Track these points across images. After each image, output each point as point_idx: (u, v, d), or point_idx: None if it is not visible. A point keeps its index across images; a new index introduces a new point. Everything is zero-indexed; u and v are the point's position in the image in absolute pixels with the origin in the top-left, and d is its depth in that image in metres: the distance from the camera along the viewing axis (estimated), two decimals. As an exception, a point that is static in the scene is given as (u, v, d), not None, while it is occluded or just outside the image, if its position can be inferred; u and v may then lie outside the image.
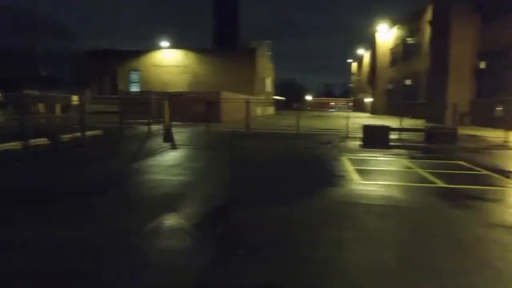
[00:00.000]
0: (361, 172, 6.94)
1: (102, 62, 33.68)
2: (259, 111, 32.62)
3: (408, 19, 38.06)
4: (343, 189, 5.65)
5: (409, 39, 36.72)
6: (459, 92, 23.09)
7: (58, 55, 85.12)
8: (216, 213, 4.48)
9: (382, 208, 4.71)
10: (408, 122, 22.88)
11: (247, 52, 31.47)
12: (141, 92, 21.08)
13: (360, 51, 70.06)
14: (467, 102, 23.16)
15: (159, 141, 11.59)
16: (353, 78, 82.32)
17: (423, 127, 12.13)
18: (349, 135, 14.03)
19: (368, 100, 57.64)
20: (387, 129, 11.37)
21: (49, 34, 76.31)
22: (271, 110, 41.72)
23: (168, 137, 11.64)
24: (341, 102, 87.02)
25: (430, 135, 11.52)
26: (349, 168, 7.39)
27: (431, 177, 6.65)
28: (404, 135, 13.18)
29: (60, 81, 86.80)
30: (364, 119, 31.76)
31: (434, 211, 4.73)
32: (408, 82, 36.56)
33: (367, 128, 11.70)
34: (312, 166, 7.97)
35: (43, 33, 76.13)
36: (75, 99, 35.57)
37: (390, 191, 5.56)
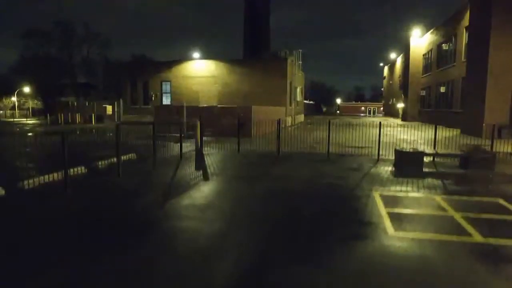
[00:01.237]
0: (392, 218, 6.77)
1: (135, 72, 34.64)
2: (289, 120, 32.56)
3: (443, 24, 36.96)
4: (371, 245, 5.50)
5: (444, 45, 35.61)
6: (497, 103, 22.22)
7: (93, 62, 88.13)
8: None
9: (415, 275, 4.56)
10: (442, 134, 22.26)
11: (278, 62, 31.47)
12: (173, 107, 21.49)
13: (392, 55, 68.58)
14: (506, 113, 22.28)
15: (191, 169, 11.72)
16: (385, 82, 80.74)
17: (458, 153, 11.71)
18: (380, 157, 13.75)
19: (400, 105, 56.33)
20: (420, 156, 11.09)
21: (86, 43, 79.17)
22: (301, 117, 41.54)
23: (200, 164, 11.81)
24: (372, 106, 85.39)
25: (465, 160, 11.16)
26: (380, 212, 7.24)
27: (467, 226, 6.40)
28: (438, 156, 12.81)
29: (94, 87, 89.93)
30: (397, 128, 31.09)
31: (473, 283, 4.52)
32: (442, 89, 35.46)
33: (399, 154, 11.45)
34: (340, 205, 7.86)
35: (80, 42, 79.12)
36: (109, 109, 36.75)
37: (425, 249, 5.35)
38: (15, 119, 51.85)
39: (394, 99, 64.57)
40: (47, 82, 72.66)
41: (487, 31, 21.99)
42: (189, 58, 32.80)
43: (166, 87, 33.59)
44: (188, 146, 16.18)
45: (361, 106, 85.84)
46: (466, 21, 28.60)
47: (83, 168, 10.64)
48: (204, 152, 14.20)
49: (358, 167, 12.07)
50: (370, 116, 70.32)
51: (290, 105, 32.72)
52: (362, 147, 16.12)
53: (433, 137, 22.08)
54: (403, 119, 47.47)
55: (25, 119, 52.65)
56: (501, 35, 21.55)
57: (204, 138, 19.61)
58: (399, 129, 31.47)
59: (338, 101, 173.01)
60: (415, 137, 23.04)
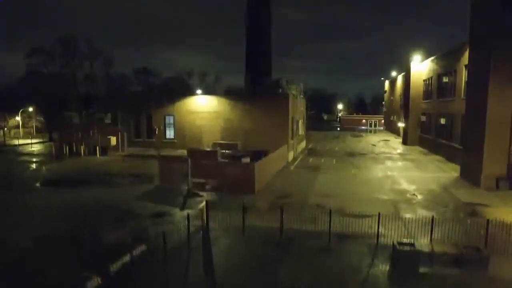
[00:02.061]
0: None
1: (138, 106, 35.16)
2: (291, 155, 33.02)
3: (443, 56, 37.32)
4: None
5: (444, 77, 35.98)
6: (495, 154, 22.59)
7: (96, 79, 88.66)
8: None
9: None
10: (441, 178, 22.23)
11: (280, 99, 31.94)
12: (177, 163, 21.96)
13: (394, 73, 69.02)
14: (504, 164, 22.66)
15: (199, 269, 11.82)
16: (385, 96, 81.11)
17: (454, 252, 11.99)
18: (380, 242, 14.06)
19: (400, 124, 56.70)
20: (416, 256, 11.53)
21: (88, 59, 79.64)
22: (302, 144, 41.94)
23: (207, 264, 12.03)
24: (373, 119, 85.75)
25: (461, 259, 11.59)
26: None
27: None
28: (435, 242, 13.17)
29: (96, 99, 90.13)
30: (396, 162, 31.41)
31: None
32: (442, 121, 35.85)
33: (396, 253, 11.83)
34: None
35: (83, 58, 79.59)
36: (113, 140, 37.26)
37: None
38: (19, 141, 52.36)
39: (395, 117, 64.94)
40: (50, 99, 73.19)
41: (486, 83, 22.38)
42: (192, 94, 33.26)
43: (169, 120, 34.09)
44: (196, 226, 16.48)
45: (362, 119, 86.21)
46: (465, 59, 28.95)
47: (97, 279, 10.75)
48: (209, 231, 14.60)
49: (357, 265, 12.06)
50: (371, 132, 70.65)
51: (292, 139, 33.15)
52: (363, 217, 16.36)
53: (434, 186, 22.56)
54: (404, 142, 47.85)
55: (30, 140, 53.13)
56: (500, 88, 21.93)
57: (205, 195, 20.12)
58: (399, 164, 31.88)
59: (340, 106, 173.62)
60: (415, 183, 23.35)
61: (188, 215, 14.78)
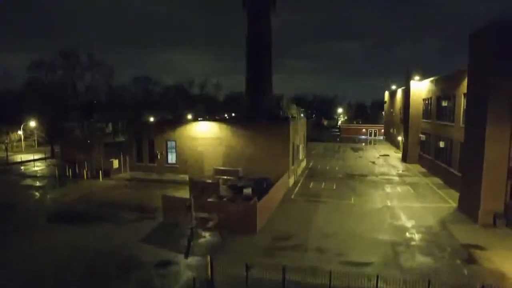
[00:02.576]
0: None
1: (140, 131, 35.55)
2: (291, 180, 33.39)
3: (443, 80, 37.65)
4: None
5: (444, 101, 36.31)
6: (493, 191, 22.92)
7: (97, 90, 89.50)
8: None
9: None
10: (441, 211, 22.01)
11: (281, 126, 32.31)
12: (180, 201, 22.22)
13: (393, 86, 69.39)
14: (501, 201, 23.00)
15: None
16: (385, 106, 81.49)
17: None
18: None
19: (400, 138, 57.15)
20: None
21: (89, 70, 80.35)
22: (303, 163, 42.29)
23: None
24: (373, 128, 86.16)
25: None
26: None
27: None
28: None
29: (97, 109, 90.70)
30: (396, 188, 31.65)
31: None
32: (441, 144, 36.17)
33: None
34: None
35: (84, 71, 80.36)
36: (115, 163, 37.60)
37: None
38: (22, 157, 52.78)
39: (395, 130, 65.32)
40: (51, 110, 73.65)
41: (483, 124, 22.73)
42: (194, 120, 33.54)
43: (171, 146, 34.45)
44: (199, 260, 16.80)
45: (362, 128, 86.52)
46: (464, 88, 29.28)
47: None
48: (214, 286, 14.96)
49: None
50: (371, 144, 70.98)
51: (293, 164, 33.52)
52: (363, 265, 16.65)
53: (432, 221, 22.89)
54: (404, 159, 48.16)
55: (32, 156, 53.52)
56: (497, 128, 22.30)
57: (207, 236, 20.49)
58: (398, 190, 32.20)
59: (340, 110, 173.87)
60: (414, 218, 23.66)
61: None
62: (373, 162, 47.35)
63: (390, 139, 72.32)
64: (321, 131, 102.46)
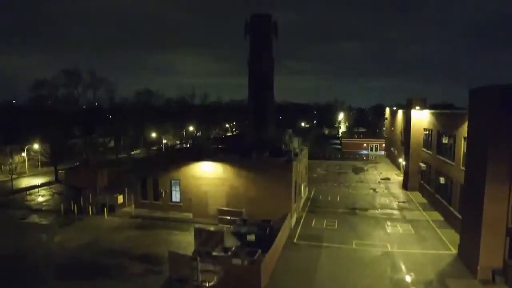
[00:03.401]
0: None
1: (145, 169, 36.06)
2: (294, 219, 33.89)
3: (443, 117, 37.99)
4: None
5: (444, 137, 36.72)
6: (492, 247, 23.34)
7: (99, 106, 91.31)
8: None
9: None
10: (442, 256, 22.52)
11: (283, 167, 32.75)
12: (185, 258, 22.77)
13: (394, 108, 69.81)
14: (500, 257, 23.44)
15: None
16: (386, 123, 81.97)
17: None
18: None
19: (401, 160, 57.67)
20: None
21: (91, 88, 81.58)
22: (305, 191, 42.77)
23: None
24: (374, 142, 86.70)
25: None
26: None
27: None
28: None
29: (99, 123, 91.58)
30: (397, 227, 31.71)
31: None
32: (442, 180, 36.59)
33: None
34: None
35: (86, 88, 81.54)
36: (120, 198, 38.12)
37: None
38: (27, 182, 53.44)
39: (396, 151, 65.78)
40: (54, 129, 74.45)
41: (482, 183, 23.18)
42: (197, 160, 34.08)
43: (175, 185, 34.96)
44: None
45: (364, 143, 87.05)
46: (464, 131, 29.69)
47: None
48: None
49: None
50: (372, 162, 71.41)
51: (295, 202, 34.03)
52: None
53: (432, 274, 23.36)
54: (404, 186, 48.60)
55: (37, 180, 54.15)
56: (496, 188, 22.75)
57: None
58: (399, 230, 32.63)
59: (341, 116, 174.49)
60: (414, 270, 24.08)
61: None
62: (374, 190, 47.80)
63: (391, 157, 72.80)
64: (321, 144, 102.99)
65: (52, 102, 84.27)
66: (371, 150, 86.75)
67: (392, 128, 71.64)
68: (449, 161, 34.97)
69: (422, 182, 45.26)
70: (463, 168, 29.71)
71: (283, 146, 39.78)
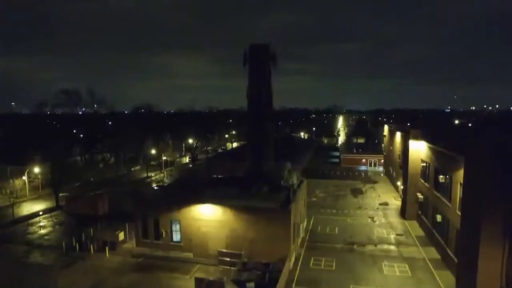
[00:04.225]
0: None
1: (146, 209, 36.52)
2: (292, 258, 34.36)
3: (441, 155, 38.34)
4: None
5: (441, 177, 37.14)
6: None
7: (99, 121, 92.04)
8: None
9: None
10: None
11: (282, 213, 33.17)
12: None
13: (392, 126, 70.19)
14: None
15: None
16: (385, 140, 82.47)
17: None
18: None
19: (399, 183, 58.20)
20: None
21: (91, 106, 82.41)
22: (303, 225, 43.22)
23: None
24: (373, 158, 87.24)
25: None
26: None
27: None
28: None
29: (100, 137, 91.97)
30: (396, 266, 31.80)
31: None
32: (438, 218, 37.10)
33: None
34: None
35: (87, 105, 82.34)
36: (121, 236, 38.57)
37: None
38: (28, 209, 53.88)
39: (394, 172, 66.27)
40: (54, 145, 74.98)
41: (477, 242, 23.67)
42: (198, 202, 34.53)
43: (175, 225, 35.42)
44: None
45: (362, 158, 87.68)
46: (460, 176, 30.17)
47: None
48: None
49: None
50: (370, 182, 71.90)
51: (293, 243, 34.50)
52: None
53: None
54: (402, 214, 49.06)
55: (37, 207, 54.58)
56: (490, 248, 23.24)
57: None
58: (396, 271, 33.07)
59: (339, 122, 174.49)
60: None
61: None
62: (372, 219, 48.25)
63: (389, 176, 73.31)
64: (320, 157, 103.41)
65: (52, 119, 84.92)
66: (370, 165, 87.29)
67: (391, 148, 72.12)
68: (445, 201, 35.45)
69: (419, 212, 45.73)
70: (459, 213, 30.26)
71: (282, 182, 40.28)
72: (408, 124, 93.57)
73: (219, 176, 49.65)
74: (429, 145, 42.25)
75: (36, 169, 61.61)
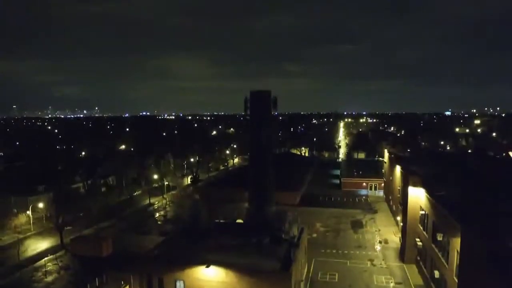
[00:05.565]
0: None
1: (150, 268, 37.27)
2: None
3: (439, 213, 38.87)
4: None
5: (439, 235, 37.85)
6: None
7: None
8: None
9: None
10: None
11: (283, 274, 33.94)
12: None
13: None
14: None
15: None
16: (386, 166, 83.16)
17: None
18: None
19: (399, 219, 58.97)
20: None
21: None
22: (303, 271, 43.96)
23: None
24: (373, 182, 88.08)
25: None
26: None
27: None
28: None
29: (100, 163, 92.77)
30: None
31: None
32: (436, 274, 37.81)
33: None
34: None
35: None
36: (126, 290, 39.15)
37: None
38: (33, 248, 54.65)
39: (394, 206, 67.01)
40: (56, 174, 75.95)
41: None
42: (201, 263, 35.25)
43: (180, 284, 36.18)
44: None
45: (363, 182, 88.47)
46: (458, 245, 30.87)
47: None
48: None
49: None
50: (371, 206, 72.67)
51: (294, 303, 35.20)
52: None
53: None
54: (401, 257, 49.72)
55: (42, 246, 55.34)
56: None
57: None
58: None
59: (340, 132, 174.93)
60: None
61: None
62: (372, 262, 48.96)
63: (389, 206, 74.13)
64: (320, 177, 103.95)
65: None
66: (371, 189, 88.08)
67: (391, 178, 72.81)
68: (443, 260, 36.14)
69: (418, 258, 46.42)
70: (456, 280, 31.04)
71: (283, 235, 41.07)
72: (408, 150, 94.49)
73: (221, 221, 50.50)
74: (428, 197, 42.86)
75: (40, 204, 62.37)
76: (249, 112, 48.81)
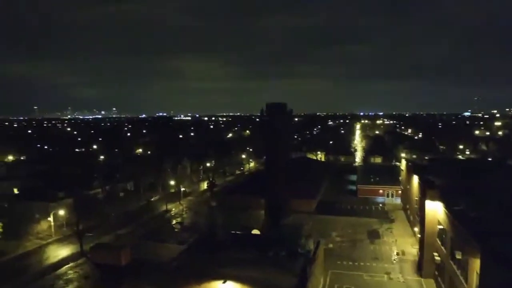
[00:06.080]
0: None
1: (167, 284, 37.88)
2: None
3: (458, 231, 38.35)
4: None
5: (457, 253, 37.36)
6: None
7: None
8: None
9: None
10: None
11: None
12: None
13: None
14: None
15: None
16: (403, 174, 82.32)
17: None
18: None
19: (416, 230, 58.41)
20: None
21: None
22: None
23: None
24: (390, 189, 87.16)
25: None
26: None
27: None
28: None
29: (118, 167, 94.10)
30: None
31: None
32: (455, 293, 37.37)
33: None
34: None
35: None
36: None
37: None
38: (53, 255, 56.03)
39: (411, 216, 66.30)
40: (74, 182, 77.67)
41: None
42: (219, 278, 35.64)
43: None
44: None
45: (380, 189, 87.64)
46: (477, 266, 30.46)
47: None
48: None
49: None
50: (388, 214, 72.13)
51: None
52: None
53: None
54: (419, 271, 49.12)
55: (62, 253, 56.70)
56: None
57: None
58: None
59: (356, 134, 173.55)
60: None
61: None
62: (389, 275, 48.57)
63: (406, 214, 73.40)
64: (337, 183, 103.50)
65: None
66: (387, 196, 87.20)
67: (408, 187, 72.03)
68: (462, 280, 35.68)
69: (436, 273, 45.86)
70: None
71: (299, 249, 41.20)
72: (425, 158, 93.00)
73: (237, 233, 50.88)
74: (446, 212, 42.29)
75: (61, 211, 63.85)
76: (265, 127, 49.29)
